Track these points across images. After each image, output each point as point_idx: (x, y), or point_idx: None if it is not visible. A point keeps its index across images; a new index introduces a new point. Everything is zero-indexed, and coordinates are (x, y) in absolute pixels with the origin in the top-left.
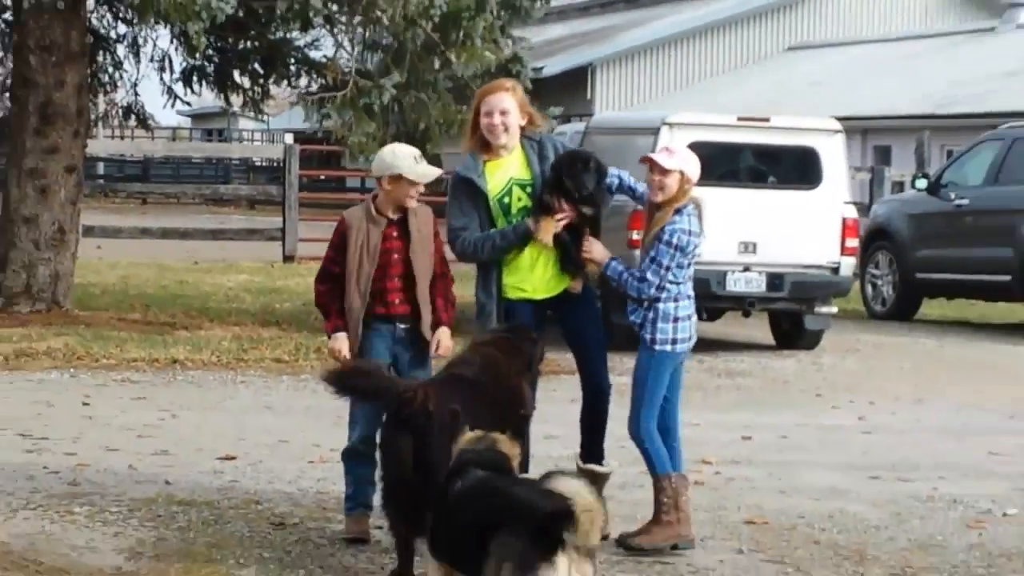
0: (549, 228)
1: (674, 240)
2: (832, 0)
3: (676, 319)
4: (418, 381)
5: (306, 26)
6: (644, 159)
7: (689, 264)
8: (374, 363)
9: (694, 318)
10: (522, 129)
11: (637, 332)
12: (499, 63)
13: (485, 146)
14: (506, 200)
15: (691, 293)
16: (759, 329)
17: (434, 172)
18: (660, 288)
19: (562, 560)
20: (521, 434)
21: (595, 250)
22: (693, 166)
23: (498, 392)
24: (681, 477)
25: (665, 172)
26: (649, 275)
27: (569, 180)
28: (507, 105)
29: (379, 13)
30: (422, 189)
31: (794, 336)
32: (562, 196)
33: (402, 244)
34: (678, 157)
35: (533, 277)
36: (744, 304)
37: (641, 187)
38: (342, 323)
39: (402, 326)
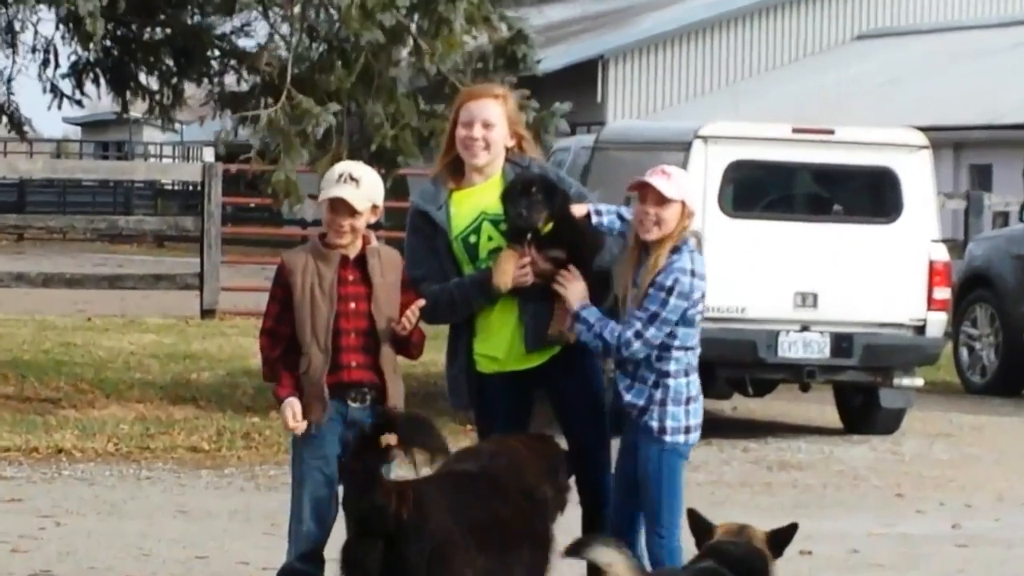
0: (506, 271)
1: (676, 285)
2: None
3: (689, 399)
4: (391, 481)
5: (231, 8)
6: (636, 185)
7: (697, 320)
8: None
9: (702, 398)
10: (508, 151)
11: (635, 418)
12: (498, 44)
13: (457, 170)
14: (472, 239)
15: (697, 360)
16: (822, 407)
17: (331, 195)
18: (660, 349)
19: None
20: (543, 554)
21: (571, 289)
22: (692, 194)
23: (513, 492)
24: None
25: (664, 202)
26: (652, 330)
27: (506, 209)
28: (492, 116)
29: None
30: (370, 220)
31: (867, 417)
32: (517, 234)
33: (364, 291)
34: (678, 183)
35: (505, 343)
36: (802, 375)
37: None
38: (296, 391)
39: (356, 404)
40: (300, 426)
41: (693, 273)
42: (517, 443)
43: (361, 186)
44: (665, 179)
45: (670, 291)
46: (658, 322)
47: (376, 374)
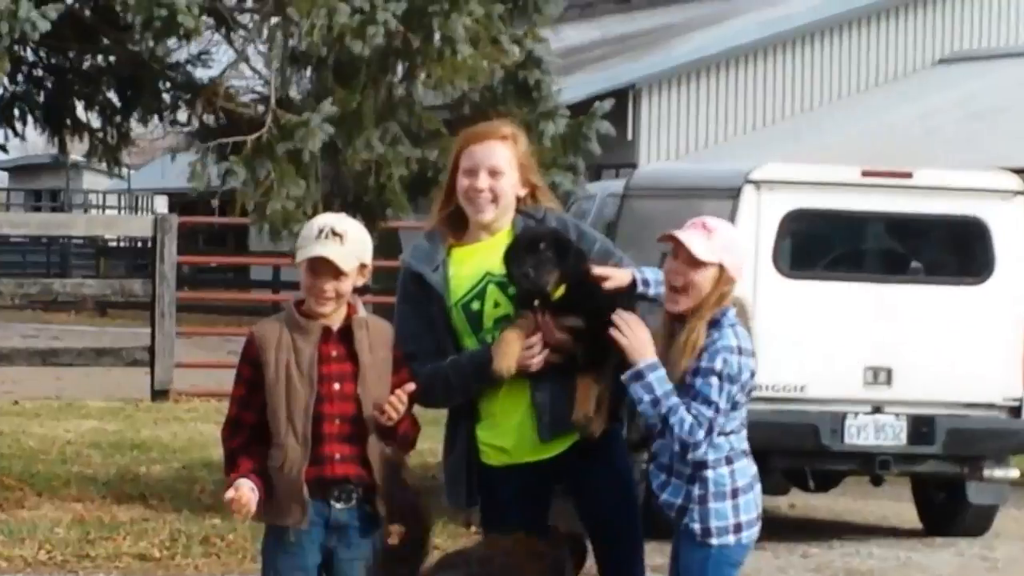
0: (508, 352)
1: (725, 368)
2: None
3: (736, 491)
4: None
5: (187, 34)
6: (665, 237)
7: (739, 403)
8: None
9: (758, 487)
10: (519, 201)
11: (675, 520)
12: (508, 71)
13: (458, 223)
14: (475, 306)
15: (744, 445)
16: (897, 505)
17: (312, 254)
18: (708, 434)
19: None
20: None
21: (633, 336)
22: (737, 256)
23: None
24: None
25: (697, 264)
26: (705, 412)
27: (509, 270)
28: (500, 162)
29: (296, 19)
30: (357, 282)
31: (953, 515)
32: (525, 299)
33: (349, 369)
34: (719, 241)
35: (515, 430)
36: (874, 465)
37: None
38: (252, 474)
39: (340, 505)
40: (243, 501)
41: (740, 351)
42: (512, 543)
43: (346, 242)
44: (703, 236)
45: (721, 375)
46: (703, 406)
47: (363, 467)
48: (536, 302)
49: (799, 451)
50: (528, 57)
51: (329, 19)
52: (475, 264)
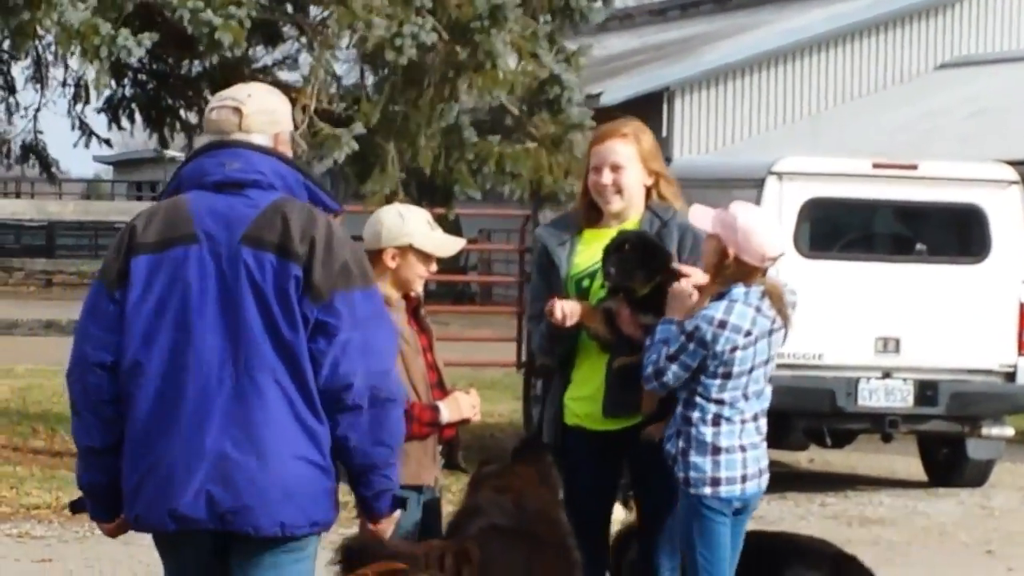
0: (574, 311)
1: (696, 332)
2: None
3: (717, 449)
4: (437, 542)
5: (274, 39)
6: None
7: (728, 373)
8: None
9: (755, 452)
10: (648, 193)
11: (671, 469)
12: (531, 87)
13: (593, 211)
14: (586, 283)
15: (746, 414)
16: (905, 459)
17: (456, 243)
18: (687, 393)
19: None
20: None
21: (678, 291)
22: (736, 234)
23: (548, 543)
24: None
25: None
26: (671, 372)
27: (603, 264)
28: (621, 158)
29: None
30: (434, 268)
31: (954, 469)
32: (614, 291)
33: (425, 342)
34: (720, 218)
35: (587, 401)
36: (884, 425)
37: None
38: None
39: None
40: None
41: (723, 324)
42: (522, 483)
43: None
44: (709, 212)
45: (689, 336)
46: (676, 364)
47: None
48: (620, 294)
49: (817, 412)
50: (549, 76)
51: (367, 29)
52: (597, 247)
